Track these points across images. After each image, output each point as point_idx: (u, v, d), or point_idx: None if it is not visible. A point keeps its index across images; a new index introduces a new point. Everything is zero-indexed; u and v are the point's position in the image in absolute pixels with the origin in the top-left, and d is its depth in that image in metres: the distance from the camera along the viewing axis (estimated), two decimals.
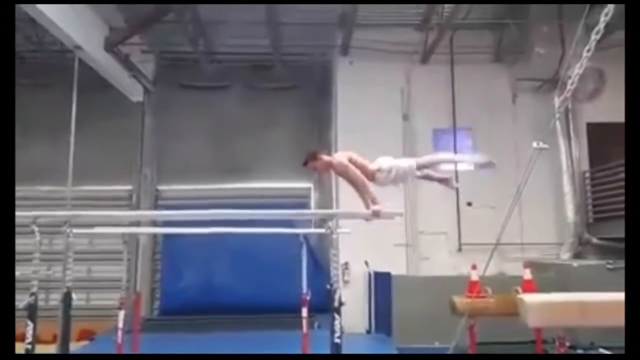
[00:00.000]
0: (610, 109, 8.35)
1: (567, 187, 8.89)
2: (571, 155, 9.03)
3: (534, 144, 3.98)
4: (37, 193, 9.33)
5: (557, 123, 8.56)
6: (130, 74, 9.15)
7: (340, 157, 4.58)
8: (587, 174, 9.20)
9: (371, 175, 4.50)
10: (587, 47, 3.54)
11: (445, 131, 9.34)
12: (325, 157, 4.67)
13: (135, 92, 9.79)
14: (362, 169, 4.44)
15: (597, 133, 9.25)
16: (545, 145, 3.96)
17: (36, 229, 3.62)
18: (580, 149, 9.19)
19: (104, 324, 8.03)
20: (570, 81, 3.77)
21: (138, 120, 10.05)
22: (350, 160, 4.47)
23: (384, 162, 4.60)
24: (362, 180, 4.31)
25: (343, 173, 4.48)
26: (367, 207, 4.15)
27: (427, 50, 9.21)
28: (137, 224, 8.84)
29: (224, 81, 10.33)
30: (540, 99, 9.11)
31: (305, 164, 4.84)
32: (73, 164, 7.53)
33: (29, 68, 9.48)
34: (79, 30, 7.28)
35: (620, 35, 6.88)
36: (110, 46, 8.17)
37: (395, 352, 6.81)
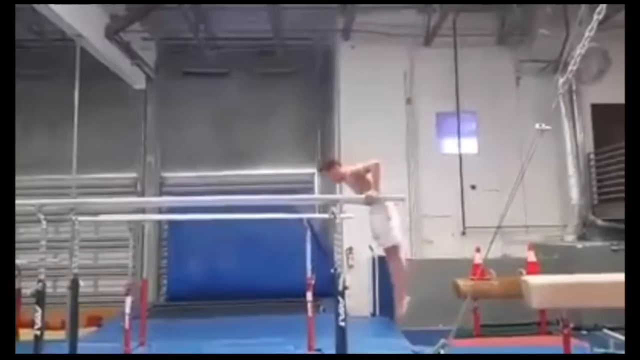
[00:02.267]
0: (615, 90, 8.20)
1: (571, 169, 8.87)
2: (575, 137, 9.00)
3: (536, 126, 3.95)
4: (42, 182, 9.38)
5: (562, 105, 8.51)
6: (132, 61, 9.13)
7: (352, 167, 4.88)
8: (592, 156, 9.17)
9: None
10: (589, 27, 3.49)
11: (448, 114, 9.30)
12: (340, 169, 4.98)
13: (137, 80, 9.79)
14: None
15: (601, 114, 9.20)
16: (548, 127, 3.93)
17: (42, 216, 3.65)
18: (585, 131, 9.16)
19: (112, 310, 8.12)
20: (572, 62, 3.73)
21: (141, 107, 10.06)
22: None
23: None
24: (375, 164, 4.47)
25: (356, 173, 4.66)
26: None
27: (430, 33, 9.14)
28: (143, 211, 8.88)
29: (225, 67, 10.30)
30: (544, 81, 9.03)
31: (320, 170, 5.17)
32: (77, 152, 7.56)
33: (30, 57, 9.46)
34: (79, 18, 7.25)
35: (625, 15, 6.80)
36: (111, 34, 8.15)
37: (399, 334, 6.87)
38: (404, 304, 4.86)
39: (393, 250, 4.78)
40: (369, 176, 4.53)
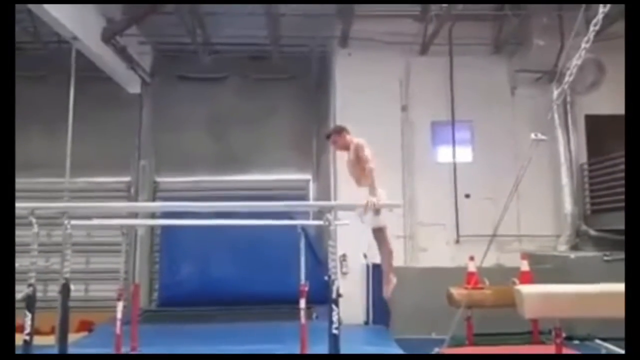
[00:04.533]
0: (609, 101, 8.34)
1: (565, 179, 8.91)
2: (569, 147, 9.04)
3: (532, 136, 3.99)
4: (35, 185, 9.30)
5: (556, 115, 8.55)
6: (128, 65, 9.11)
7: (361, 140, 4.85)
8: (585, 166, 9.21)
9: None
10: (585, 38, 3.53)
11: (443, 123, 9.33)
12: (348, 136, 4.93)
13: (132, 84, 9.76)
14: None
15: (595, 125, 9.26)
16: (544, 137, 3.96)
17: (34, 220, 3.61)
18: (579, 141, 9.20)
19: (103, 315, 8.06)
20: (568, 72, 3.76)
21: (136, 111, 10.02)
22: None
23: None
24: (370, 167, 4.47)
25: (358, 151, 4.65)
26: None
27: (426, 41, 9.17)
28: (136, 215, 8.84)
29: (222, 72, 10.29)
30: (539, 91, 9.10)
31: (328, 136, 5.09)
32: (71, 155, 7.52)
33: (26, 59, 9.42)
34: (75, 21, 7.24)
35: (619, 26, 6.87)
36: (108, 37, 8.13)
37: (393, 343, 6.84)
38: (390, 287, 4.89)
39: (380, 231, 4.80)
40: (367, 171, 4.55)
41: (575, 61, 3.66)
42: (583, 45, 3.57)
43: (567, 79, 3.80)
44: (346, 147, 4.92)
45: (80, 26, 7.39)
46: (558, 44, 8.43)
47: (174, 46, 10.02)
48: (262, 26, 8.84)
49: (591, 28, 3.54)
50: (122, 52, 8.64)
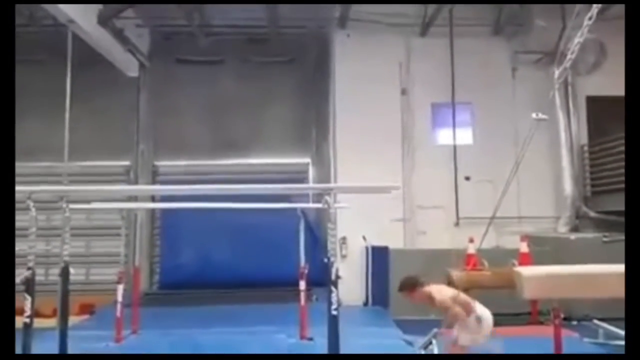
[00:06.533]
0: (610, 82, 8.26)
1: (565, 161, 8.90)
2: (570, 129, 9.01)
3: (533, 115, 3.96)
4: (34, 169, 9.24)
5: (557, 96, 8.51)
6: (125, 48, 9.01)
7: (444, 293, 4.52)
8: (586, 148, 9.19)
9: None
10: (588, 15, 3.49)
11: (443, 105, 9.28)
12: (425, 289, 4.52)
13: (130, 67, 9.67)
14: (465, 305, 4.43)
15: (596, 107, 9.21)
16: (545, 116, 3.94)
17: (31, 204, 3.60)
18: (579, 123, 9.17)
19: (104, 298, 8.09)
20: (570, 50, 3.72)
21: (134, 95, 9.95)
22: (455, 299, 4.43)
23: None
24: (457, 316, 4.33)
25: (442, 307, 4.42)
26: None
27: (426, 23, 9.08)
28: (135, 199, 8.83)
29: (220, 55, 10.18)
30: (540, 72, 9.03)
31: (401, 289, 4.66)
32: (69, 139, 7.48)
33: (21, 43, 9.29)
34: (71, 4, 7.13)
35: (621, 8, 6.78)
36: (104, 20, 8.03)
37: (392, 323, 6.89)
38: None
39: (458, 347, 4.48)
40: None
41: (577, 39, 3.62)
42: (585, 22, 3.53)
43: (569, 56, 3.76)
44: (427, 300, 4.54)
45: (77, 9, 7.29)
46: (559, 24, 8.35)
47: (172, 29, 9.89)
48: (261, 8, 8.73)
49: (594, 5, 3.49)
50: (119, 35, 8.54)
